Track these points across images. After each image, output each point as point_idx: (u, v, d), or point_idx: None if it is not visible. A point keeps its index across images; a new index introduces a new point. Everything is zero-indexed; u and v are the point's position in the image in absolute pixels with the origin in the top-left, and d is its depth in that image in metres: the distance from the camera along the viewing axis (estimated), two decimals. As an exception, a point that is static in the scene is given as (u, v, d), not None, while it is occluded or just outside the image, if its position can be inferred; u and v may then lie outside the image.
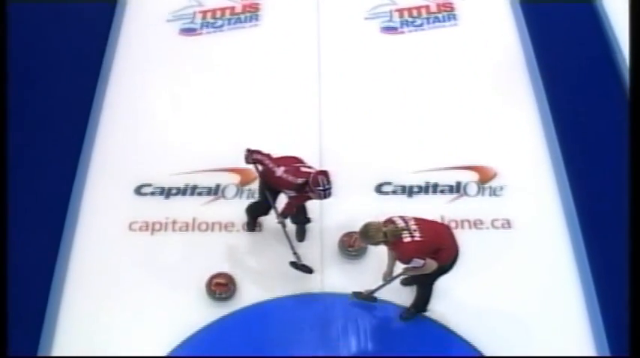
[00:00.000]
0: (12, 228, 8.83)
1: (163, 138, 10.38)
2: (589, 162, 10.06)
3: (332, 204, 9.32)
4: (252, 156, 8.52)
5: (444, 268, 7.84)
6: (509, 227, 9.44)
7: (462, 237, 9.07)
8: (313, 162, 9.80)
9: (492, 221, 9.50)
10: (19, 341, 8.33)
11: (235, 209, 9.58)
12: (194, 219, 9.57)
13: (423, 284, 8.22)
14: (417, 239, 7.48)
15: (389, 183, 9.91)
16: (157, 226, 9.50)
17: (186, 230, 9.49)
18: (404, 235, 7.50)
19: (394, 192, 9.85)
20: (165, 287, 8.95)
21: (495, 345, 8.41)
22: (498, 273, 9.01)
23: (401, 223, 7.56)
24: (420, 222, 7.64)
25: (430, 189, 9.85)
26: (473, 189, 9.84)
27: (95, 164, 10.06)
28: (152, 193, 9.83)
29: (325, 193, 8.11)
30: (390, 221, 7.61)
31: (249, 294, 8.77)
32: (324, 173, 8.15)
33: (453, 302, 8.58)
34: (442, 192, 9.84)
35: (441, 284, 8.42)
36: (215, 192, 9.86)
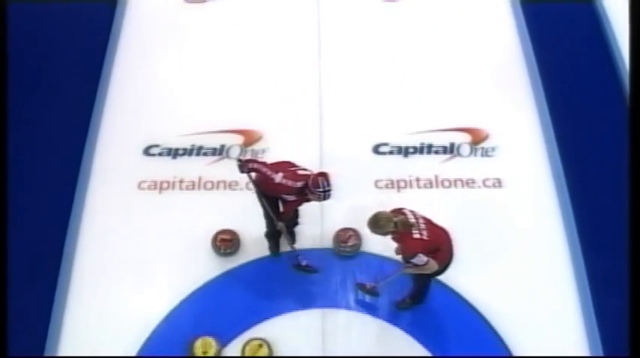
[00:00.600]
0: (26, 190, 9.19)
1: (170, 102, 10.40)
2: (576, 126, 10.12)
3: (331, 161, 9.62)
4: (247, 165, 8.18)
5: (438, 270, 7.81)
6: (500, 186, 9.57)
7: (455, 195, 9.47)
8: (313, 124, 10.11)
9: (484, 180, 9.62)
10: (33, 293, 8.64)
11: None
12: (200, 178, 9.67)
13: (420, 280, 8.19)
14: (424, 238, 7.37)
15: (386, 144, 9.99)
16: (165, 185, 9.61)
17: (193, 188, 9.60)
18: (414, 231, 7.39)
19: (391, 153, 9.93)
20: (173, 243, 9.06)
21: (483, 296, 8.61)
22: (489, 229, 9.16)
23: (412, 218, 7.44)
24: (427, 222, 7.53)
25: (425, 150, 9.93)
26: (466, 149, 9.94)
27: (105, 128, 10.13)
28: (160, 154, 9.92)
29: (325, 195, 7.93)
30: (400, 211, 7.51)
31: (253, 250, 8.89)
32: (324, 174, 7.98)
33: None
34: (436, 152, 9.92)
35: None
36: (220, 152, 9.95)
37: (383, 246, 8.52)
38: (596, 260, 8.91)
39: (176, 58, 11.00)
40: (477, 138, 10.03)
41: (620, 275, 8.58)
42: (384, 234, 7.42)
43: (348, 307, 8.64)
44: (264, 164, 8.19)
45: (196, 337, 8.34)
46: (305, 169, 8.11)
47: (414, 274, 7.94)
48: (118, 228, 9.25)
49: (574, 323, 8.53)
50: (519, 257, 8.97)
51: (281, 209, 8.42)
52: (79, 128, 10.04)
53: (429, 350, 8.29)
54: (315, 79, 10.66)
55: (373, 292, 8.38)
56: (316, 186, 7.83)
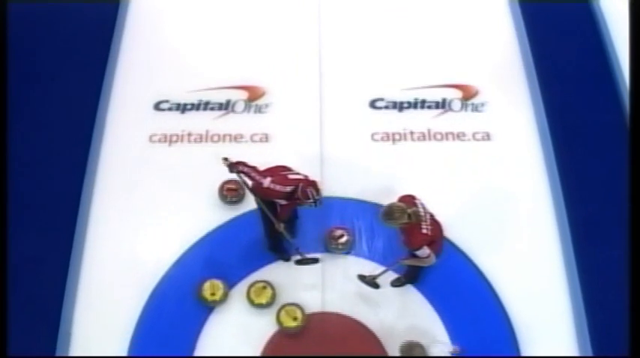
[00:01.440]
0: (46, 144, 9.44)
1: (179, 60, 10.42)
2: (563, 86, 10.17)
3: (331, 115, 9.79)
4: (236, 167, 7.94)
5: None
6: (489, 139, 9.71)
7: (447, 147, 9.61)
8: (313, 80, 10.17)
9: (474, 134, 9.75)
10: (52, 240, 8.87)
11: (244, 122, 9.84)
12: (207, 132, 9.79)
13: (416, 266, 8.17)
14: (429, 233, 7.34)
15: (381, 99, 10.08)
16: (174, 138, 9.73)
17: (200, 141, 9.71)
18: (423, 225, 7.33)
19: (386, 107, 10.02)
20: (183, 192, 9.21)
21: (471, 237, 8.84)
22: (478, 180, 9.35)
23: (422, 212, 7.38)
24: (432, 216, 7.50)
25: (418, 105, 10.01)
26: (457, 105, 10.03)
27: (118, 85, 10.19)
28: (169, 109, 9.99)
29: (316, 204, 7.66)
30: (411, 201, 7.45)
31: (257, 198, 9.08)
32: (313, 184, 7.68)
33: (438, 205, 8.47)
34: (429, 107, 10.01)
35: (428, 187, 8.68)
36: (225, 107, 10.03)
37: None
38: (577, 208, 9.09)
39: (184, 18, 10.94)
40: (468, 94, 10.10)
41: (601, 223, 8.98)
42: (397, 225, 7.28)
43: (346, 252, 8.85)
44: (254, 169, 7.93)
45: (204, 279, 8.51)
46: (297, 174, 7.85)
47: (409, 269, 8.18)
48: (131, 178, 9.38)
49: (555, 266, 8.77)
50: (505, 205, 9.16)
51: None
52: (93, 87, 10.09)
53: (418, 290, 8.53)
54: (315, 38, 10.66)
55: (373, 283, 8.27)
56: (306, 198, 7.59)
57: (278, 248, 8.73)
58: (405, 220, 7.18)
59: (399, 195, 7.59)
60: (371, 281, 8.26)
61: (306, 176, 7.78)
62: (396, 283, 8.24)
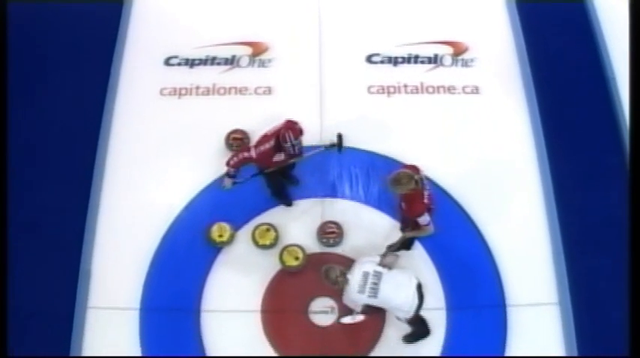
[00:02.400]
0: (66, 96, 9.53)
1: (188, 18, 10.51)
2: (547, 41, 10.23)
3: (329, 69, 9.88)
4: (230, 167, 8.01)
5: None
6: (477, 92, 9.81)
7: (438, 100, 9.73)
8: (313, 37, 10.23)
9: (463, 87, 9.85)
10: (72, 184, 9.06)
11: (248, 76, 9.92)
12: (214, 85, 9.90)
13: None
14: (428, 202, 7.47)
15: (377, 54, 10.14)
16: (183, 91, 9.84)
17: (207, 94, 9.83)
18: (425, 193, 7.45)
19: (382, 62, 10.09)
20: (192, 141, 9.37)
21: (459, 182, 9.00)
22: (467, 129, 9.50)
23: (425, 182, 7.51)
24: (429, 191, 7.57)
25: (412, 60, 10.09)
26: (448, 60, 10.10)
27: (131, 42, 10.25)
28: (179, 64, 10.08)
29: (294, 148, 7.77)
30: (414, 169, 7.45)
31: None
32: (291, 126, 7.76)
33: (429, 153, 8.94)
34: (422, 62, 10.08)
35: (420, 137, 9.09)
36: (231, 62, 10.10)
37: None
38: (559, 156, 9.25)
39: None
40: (458, 50, 10.16)
41: (581, 171, 9.17)
42: (405, 190, 7.29)
43: (344, 197, 9.03)
44: (237, 153, 8.02)
45: (213, 223, 8.70)
46: (275, 126, 7.86)
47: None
48: (143, 129, 9.51)
49: (537, 212, 8.96)
50: (491, 153, 9.32)
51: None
52: (107, 45, 10.15)
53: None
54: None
55: (401, 247, 8.10)
56: (284, 141, 7.67)
57: (281, 194, 8.85)
58: (412, 186, 7.25)
59: (404, 165, 7.73)
60: (399, 246, 8.06)
61: (285, 121, 7.88)
62: (391, 248, 8.07)
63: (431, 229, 7.66)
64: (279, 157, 7.96)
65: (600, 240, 8.74)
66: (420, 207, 7.43)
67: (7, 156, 8.74)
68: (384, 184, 8.62)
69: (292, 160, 8.19)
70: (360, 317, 7.81)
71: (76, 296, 8.41)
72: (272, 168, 8.15)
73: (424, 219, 7.49)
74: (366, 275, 7.26)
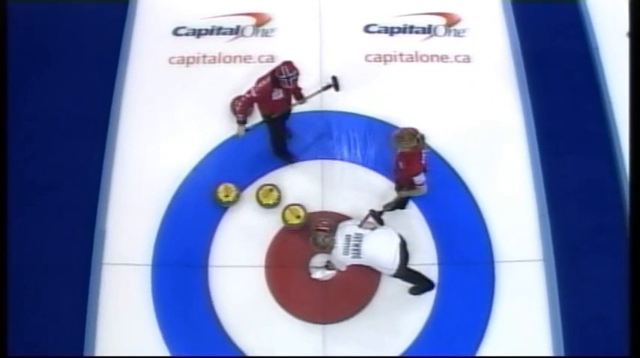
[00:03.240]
0: (81, 65, 9.65)
1: None
2: (535, 13, 10.28)
3: (329, 38, 9.96)
4: (234, 109, 8.32)
5: None
6: (469, 61, 9.93)
7: (432, 69, 9.83)
8: (314, 8, 10.30)
9: (455, 56, 9.95)
10: (86, 149, 9.16)
11: (252, 45, 10.00)
12: (220, 54, 9.97)
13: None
14: (424, 163, 7.57)
15: (374, 25, 10.22)
16: (191, 60, 9.92)
17: (214, 62, 9.91)
18: (423, 153, 7.53)
19: (379, 32, 10.17)
20: (199, 107, 9.47)
21: (451, 146, 9.10)
22: (458, 95, 9.62)
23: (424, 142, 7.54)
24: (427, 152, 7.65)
25: (407, 30, 10.17)
26: (441, 30, 10.19)
27: (140, 14, 10.28)
28: (186, 34, 10.15)
29: (289, 80, 7.76)
30: (414, 130, 7.48)
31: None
32: (287, 63, 7.82)
33: (423, 117, 8.85)
34: (417, 32, 10.16)
35: (415, 103, 9.17)
36: (236, 31, 10.16)
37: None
38: (545, 121, 9.38)
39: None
40: (451, 21, 10.24)
41: (565, 135, 9.30)
42: (407, 148, 7.42)
43: (342, 159, 9.17)
44: (239, 97, 8.17)
45: (219, 183, 8.82)
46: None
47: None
48: (154, 95, 9.60)
49: (524, 173, 9.10)
50: (481, 116, 9.44)
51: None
52: (118, 16, 10.19)
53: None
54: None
55: (379, 218, 7.86)
56: (280, 74, 7.74)
57: (283, 152, 9.00)
58: (414, 144, 7.39)
59: (403, 127, 7.79)
60: (376, 216, 7.85)
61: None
62: (386, 207, 8.13)
63: (425, 189, 7.79)
64: (278, 95, 8.03)
65: (583, 200, 8.93)
66: (418, 167, 7.55)
67: (22, 120, 8.86)
68: (381, 146, 8.97)
69: (292, 103, 8.32)
70: (329, 273, 8.20)
71: (92, 253, 8.56)
72: (275, 114, 8.27)
73: (420, 178, 7.61)
74: (348, 237, 7.40)
